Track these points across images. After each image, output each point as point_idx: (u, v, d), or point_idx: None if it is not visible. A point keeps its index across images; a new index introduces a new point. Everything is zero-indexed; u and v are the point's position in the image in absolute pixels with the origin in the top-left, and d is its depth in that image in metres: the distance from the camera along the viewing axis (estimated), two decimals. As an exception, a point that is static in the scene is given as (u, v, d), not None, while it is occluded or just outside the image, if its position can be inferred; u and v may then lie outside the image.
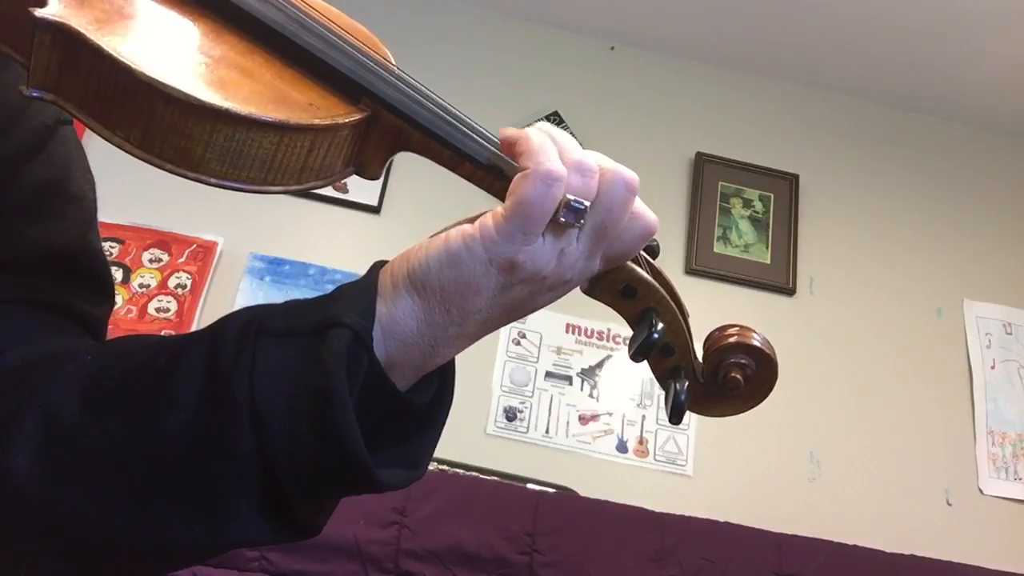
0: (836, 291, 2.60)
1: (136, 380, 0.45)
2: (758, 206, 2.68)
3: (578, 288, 0.49)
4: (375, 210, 2.50)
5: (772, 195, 2.70)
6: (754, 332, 0.52)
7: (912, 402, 2.47)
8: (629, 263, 0.49)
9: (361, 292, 0.45)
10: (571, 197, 0.43)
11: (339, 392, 0.41)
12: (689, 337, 0.52)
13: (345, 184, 2.52)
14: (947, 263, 2.69)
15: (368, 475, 0.42)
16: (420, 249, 0.45)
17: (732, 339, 0.51)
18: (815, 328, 2.53)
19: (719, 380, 0.51)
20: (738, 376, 0.51)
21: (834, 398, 2.45)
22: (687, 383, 0.51)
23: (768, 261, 2.60)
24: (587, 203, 0.43)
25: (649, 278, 0.50)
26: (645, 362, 0.51)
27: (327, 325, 0.42)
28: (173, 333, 2.20)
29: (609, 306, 0.50)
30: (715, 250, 2.59)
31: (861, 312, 2.58)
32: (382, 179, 2.53)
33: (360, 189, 2.52)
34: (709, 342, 0.52)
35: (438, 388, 0.48)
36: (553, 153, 0.44)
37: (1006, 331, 2.60)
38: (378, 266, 0.47)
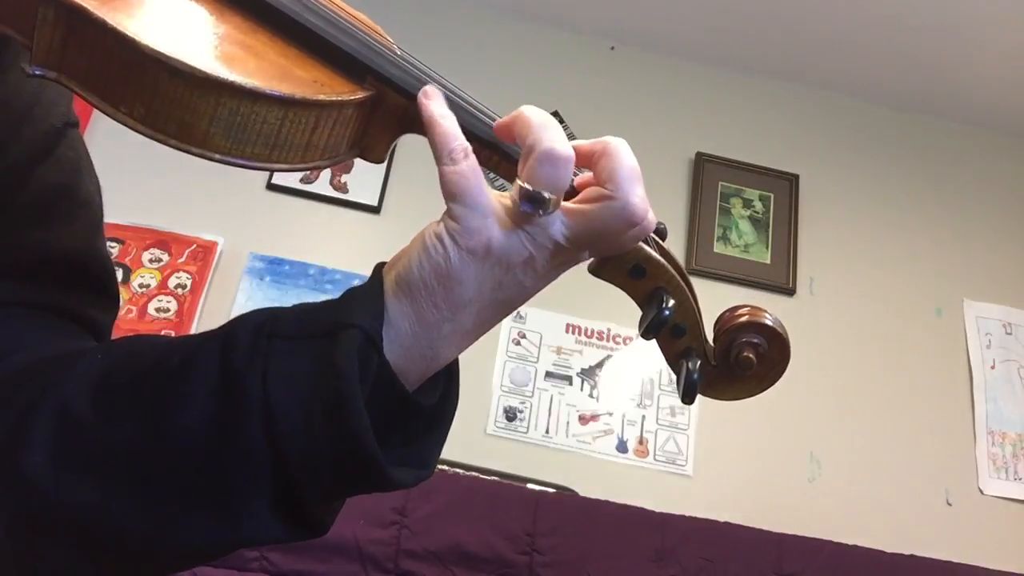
0: (836, 291, 2.60)
1: (149, 379, 0.45)
2: (758, 206, 2.68)
3: (582, 282, 0.48)
4: (375, 210, 2.50)
5: (772, 195, 2.70)
6: (766, 312, 0.51)
7: (912, 402, 2.47)
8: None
9: (369, 294, 0.45)
10: (528, 187, 0.42)
11: (352, 393, 0.41)
12: (700, 319, 0.51)
13: (345, 184, 2.52)
14: (947, 263, 2.69)
15: (381, 474, 0.43)
16: (403, 251, 0.45)
17: (744, 318, 0.50)
18: (815, 328, 2.52)
19: (731, 360, 0.50)
20: (751, 355, 0.50)
21: (834, 398, 2.44)
22: (699, 362, 0.50)
23: (768, 261, 2.60)
24: (548, 195, 0.42)
25: (658, 257, 0.49)
26: (653, 358, 0.50)
27: (338, 327, 0.42)
28: (174, 334, 2.20)
29: (618, 287, 0.50)
30: (715, 250, 2.59)
31: (861, 312, 2.58)
32: (382, 179, 2.53)
33: (360, 189, 2.52)
34: (720, 323, 0.51)
35: (444, 389, 0.48)
36: (544, 132, 0.43)
37: (1006, 331, 2.60)
38: (380, 268, 0.47)
